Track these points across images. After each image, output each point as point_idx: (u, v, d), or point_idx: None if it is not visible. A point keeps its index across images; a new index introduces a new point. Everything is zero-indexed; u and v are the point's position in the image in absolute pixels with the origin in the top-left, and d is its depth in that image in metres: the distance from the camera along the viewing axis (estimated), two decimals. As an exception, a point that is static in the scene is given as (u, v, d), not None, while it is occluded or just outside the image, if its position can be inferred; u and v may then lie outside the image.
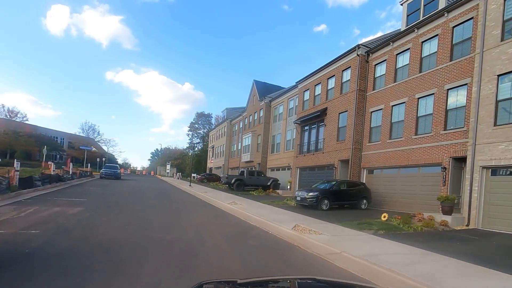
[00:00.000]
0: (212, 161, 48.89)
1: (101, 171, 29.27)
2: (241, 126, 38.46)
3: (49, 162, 18.96)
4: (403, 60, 15.74)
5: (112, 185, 21.79)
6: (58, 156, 52.15)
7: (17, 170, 12.19)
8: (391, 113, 15.97)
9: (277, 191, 22.92)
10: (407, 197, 14.28)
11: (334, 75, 20.31)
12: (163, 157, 75.23)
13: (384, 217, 10.33)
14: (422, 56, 14.59)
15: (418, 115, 14.41)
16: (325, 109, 20.26)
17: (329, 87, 20.83)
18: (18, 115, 52.54)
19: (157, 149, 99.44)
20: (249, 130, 34.40)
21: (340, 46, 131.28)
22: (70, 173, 21.65)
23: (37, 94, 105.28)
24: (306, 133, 22.62)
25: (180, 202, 14.81)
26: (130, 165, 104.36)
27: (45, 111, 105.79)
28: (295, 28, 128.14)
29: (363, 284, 3.94)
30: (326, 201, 13.39)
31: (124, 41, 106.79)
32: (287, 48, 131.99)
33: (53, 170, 18.53)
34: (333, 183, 14.57)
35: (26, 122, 52.99)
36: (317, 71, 21.97)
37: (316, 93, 22.28)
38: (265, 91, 33.26)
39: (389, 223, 9.81)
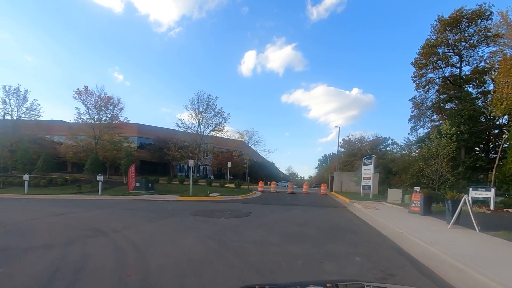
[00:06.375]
0: None
1: None
2: None
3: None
4: None
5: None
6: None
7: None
8: None
9: None
10: None
11: None
12: (342, 154, 43.91)
13: None
14: None
15: None
16: None
17: None
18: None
19: (324, 155, 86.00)
20: None
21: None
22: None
23: (239, 126, 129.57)
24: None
25: None
26: (297, 175, 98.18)
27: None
28: None
29: None
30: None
31: (296, 65, 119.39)
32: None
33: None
34: None
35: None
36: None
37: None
38: None
39: None
